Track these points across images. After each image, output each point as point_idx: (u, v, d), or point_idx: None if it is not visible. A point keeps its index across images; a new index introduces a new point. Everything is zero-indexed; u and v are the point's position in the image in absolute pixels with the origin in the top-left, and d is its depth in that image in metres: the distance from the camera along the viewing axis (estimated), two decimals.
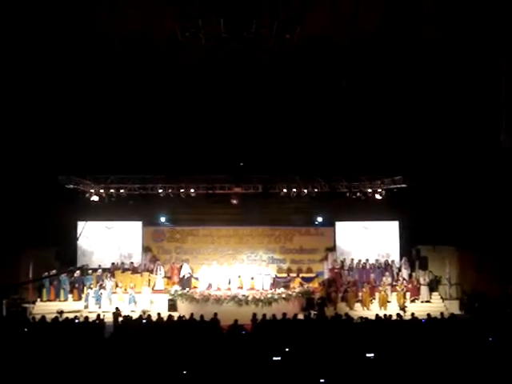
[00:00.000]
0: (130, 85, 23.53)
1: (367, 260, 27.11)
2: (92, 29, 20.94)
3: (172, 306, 24.21)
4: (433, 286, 26.33)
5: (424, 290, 25.78)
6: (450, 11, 20.42)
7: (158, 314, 20.34)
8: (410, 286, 25.76)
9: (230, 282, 25.55)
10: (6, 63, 21.32)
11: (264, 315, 19.72)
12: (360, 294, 25.40)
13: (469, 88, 22.49)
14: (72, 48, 21.68)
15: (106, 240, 27.59)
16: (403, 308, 24.30)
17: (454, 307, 24.94)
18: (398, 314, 20.25)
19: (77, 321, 20.10)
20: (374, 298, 25.35)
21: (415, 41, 20.94)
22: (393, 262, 27.35)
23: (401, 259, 27.44)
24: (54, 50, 21.63)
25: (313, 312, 23.38)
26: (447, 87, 22.92)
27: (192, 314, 20.10)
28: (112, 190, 25.54)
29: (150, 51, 22.39)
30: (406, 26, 20.56)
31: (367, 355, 13.70)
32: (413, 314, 20.25)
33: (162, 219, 27.67)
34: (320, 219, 28.01)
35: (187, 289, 24.93)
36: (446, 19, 20.81)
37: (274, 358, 13.41)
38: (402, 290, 25.29)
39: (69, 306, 24.24)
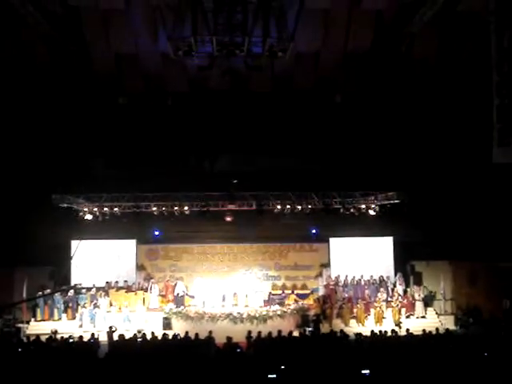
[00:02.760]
0: (122, 102, 23.75)
1: (362, 276, 27.07)
2: (83, 50, 21.15)
3: (167, 324, 24.09)
4: (427, 302, 26.32)
5: (419, 305, 25.76)
6: (440, 27, 20.70)
7: (152, 332, 20.27)
8: (404, 301, 25.72)
9: (224, 300, 25.48)
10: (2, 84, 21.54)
11: (259, 333, 19.67)
12: (355, 310, 25.36)
13: (460, 104, 22.71)
14: (64, 70, 21.91)
15: (99, 259, 27.44)
16: (398, 324, 24.22)
17: (449, 322, 24.90)
18: (393, 330, 20.23)
19: (71, 340, 20.00)
20: (369, 314, 25.31)
21: (406, 59, 21.19)
22: (388, 277, 27.31)
23: (395, 275, 27.40)
24: (46, 70, 21.83)
25: (308, 329, 23.35)
26: (440, 104, 23.14)
27: (187, 332, 20.01)
28: (106, 209, 25.52)
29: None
30: (396, 46, 20.82)
31: (363, 372, 13.67)
32: (408, 329, 20.23)
33: (156, 233, 27.62)
34: (314, 231, 27.96)
35: (182, 307, 24.85)
36: (436, 35, 21.09)
37: (270, 376, 13.36)
38: (397, 305, 25.27)
39: (63, 326, 24.09)
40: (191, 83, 23.60)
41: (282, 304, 25.31)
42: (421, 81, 22.47)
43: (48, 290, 25.32)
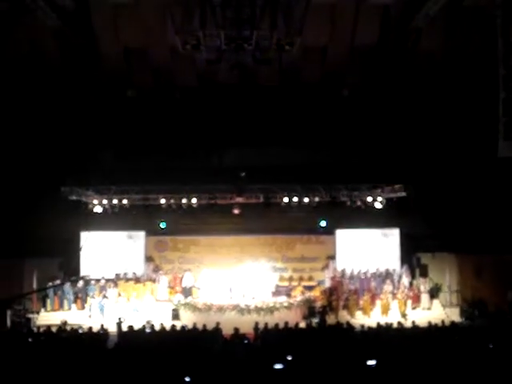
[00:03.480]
0: (131, 95, 23.90)
1: (368, 268, 27.22)
2: (92, 44, 21.30)
3: (175, 315, 24.33)
4: (433, 294, 26.45)
5: (425, 297, 25.90)
6: (446, 22, 20.73)
7: (161, 323, 20.49)
8: (410, 293, 25.86)
9: (231, 291, 25.67)
10: (9, 75, 21.68)
11: (266, 324, 19.86)
12: (361, 302, 25.52)
13: (466, 98, 22.75)
14: (73, 63, 22.05)
15: (109, 250, 27.70)
16: (404, 316, 24.43)
17: (454, 314, 25.05)
18: (398, 322, 20.40)
19: (80, 331, 20.25)
20: (375, 306, 25.46)
21: (413, 54, 21.23)
22: (393, 270, 27.45)
23: (401, 267, 27.54)
24: (56, 64, 21.99)
25: (314, 320, 23.54)
26: (446, 98, 23.18)
27: (195, 324, 20.25)
28: (115, 201, 25.77)
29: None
30: (403, 40, 20.87)
31: (368, 363, 13.82)
32: (413, 321, 20.39)
33: (162, 225, 27.70)
34: (324, 223, 27.94)
35: (190, 298, 25.08)
36: (442, 30, 21.13)
37: (276, 367, 13.53)
38: (403, 297, 25.40)
39: (73, 316, 24.37)
40: (199, 77, 23.73)
41: (288, 296, 25.47)
42: (427, 75, 22.49)
43: (58, 281, 25.62)
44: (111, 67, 22.54)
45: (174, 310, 24.55)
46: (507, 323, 21.33)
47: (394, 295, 25.72)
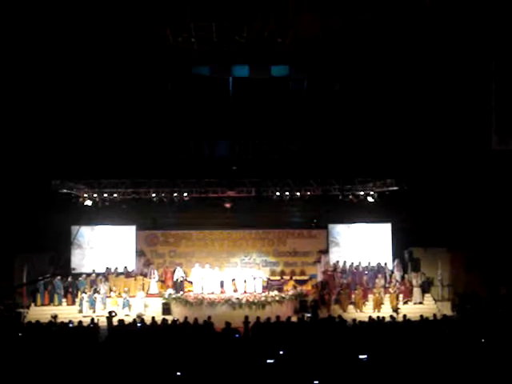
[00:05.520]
0: (123, 89, 23.73)
1: (360, 262, 27.19)
2: (87, 33, 21.11)
3: (166, 309, 24.23)
4: (425, 288, 26.43)
5: (416, 291, 25.88)
6: (439, 15, 20.65)
7: (153, 317, 20.40)
8: (402, 287, 25.84)
9: (222, 285, 25.60)
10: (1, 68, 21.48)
11: (258, 318, 19.79)
12: (353, 296, 25.49)
13: (459, 92, 22.73)
14: (65, 56, 21.87)
15: (99, 244, 27.55)
16: (396, 310, 24.43)
17: (446, 308, 25.06)
18: (390, 316, 20.38)
19: (71, 325, 20.12)
20: (367, 300, 25.45)
21: (405, 46, 21.17)
22: (385, 264, 27.42)
23: (393, 261, 27.52)
24: (49, 57, 21.81)
25: (306, 314, 23.50)
26: (438, 91, 23.16)
27: (186, 318, 20.16)
28: (105, 195, 25.63)
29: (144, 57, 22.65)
30: (394, 33, 20.81)
31: (360, 357, 13.80)
32: (405, 315, 20.38)
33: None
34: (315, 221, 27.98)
35: (181, 292, 24.99)
36: (435, 23, 21.06)
37: (268, 361, 13.48)
38: (395, 291, 25.39)
39: (63, 311, 24.23)
40: (191, 68, 23.59)
41: (280, 290, 25.43)
42: (419, 70, 22.49)
43: (48, 275, 25.43)
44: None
45: (164, 304, 24.45)
46: (498, 317, 21.35)
47: (385, 289, 25.70)
